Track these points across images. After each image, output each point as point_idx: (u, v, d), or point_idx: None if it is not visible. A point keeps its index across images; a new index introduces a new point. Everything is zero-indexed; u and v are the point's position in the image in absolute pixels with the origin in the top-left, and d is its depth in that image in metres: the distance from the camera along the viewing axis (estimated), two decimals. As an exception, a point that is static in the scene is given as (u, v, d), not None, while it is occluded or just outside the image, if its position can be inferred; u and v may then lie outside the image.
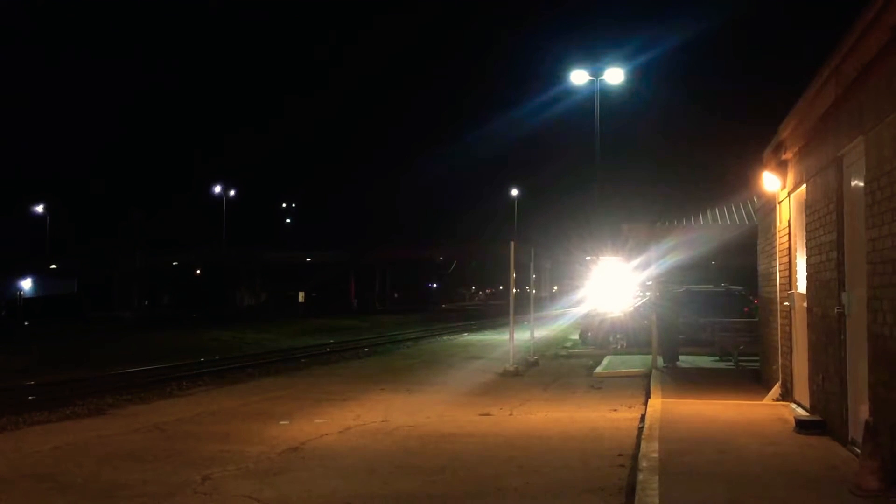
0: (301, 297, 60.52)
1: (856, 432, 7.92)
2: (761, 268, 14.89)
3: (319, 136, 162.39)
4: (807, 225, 10.08)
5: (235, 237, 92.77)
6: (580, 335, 28.09)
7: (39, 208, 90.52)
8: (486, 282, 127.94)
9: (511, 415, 12.20)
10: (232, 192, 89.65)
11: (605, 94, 34.01)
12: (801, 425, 9.46)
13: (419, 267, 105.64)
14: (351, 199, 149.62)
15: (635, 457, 8.48)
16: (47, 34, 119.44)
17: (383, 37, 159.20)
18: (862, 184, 7.57)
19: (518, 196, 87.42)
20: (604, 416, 11.92)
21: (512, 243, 20.31)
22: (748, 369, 16.84)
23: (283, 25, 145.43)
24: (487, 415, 12.15)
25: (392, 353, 26.60)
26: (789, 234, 11.77)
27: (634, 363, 19.41)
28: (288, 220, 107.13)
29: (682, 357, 19.21)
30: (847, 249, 8.34)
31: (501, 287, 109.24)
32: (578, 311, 47.52)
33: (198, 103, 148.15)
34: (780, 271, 12.46)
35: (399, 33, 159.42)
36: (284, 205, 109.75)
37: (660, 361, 18.45)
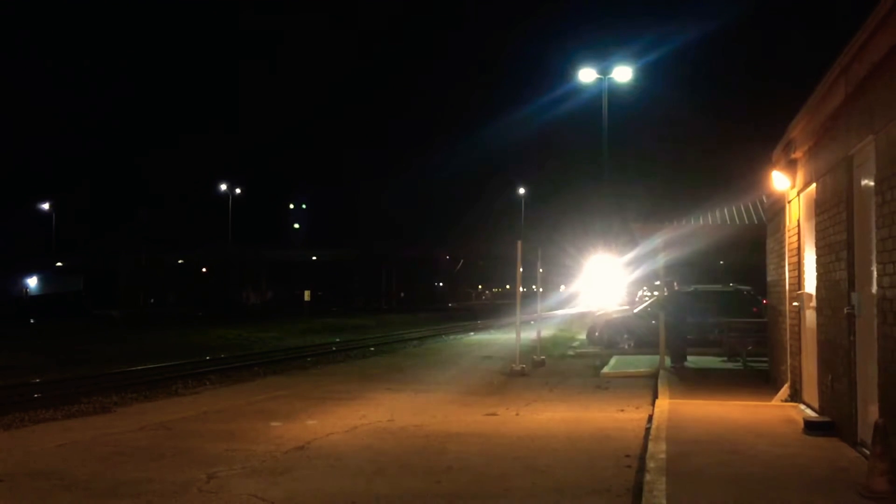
0: (307, 295, 60.62)
1: (865, 434, 7.86)
2: (770, 268, 14.82)
3: (326, 135, 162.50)
4: (816, 225, 10.02)
5: (241, 236, 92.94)
6: (587, 335, 28.05)
7: (45, 206, 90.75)
8: (493, 281, 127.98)
9: (517, 415, 12.15)
10: (238, 191, 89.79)
11: (614, 92, 33.99)
12: (810, 426, 9.40)
13: (425, 266, 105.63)
14: (357, 197, 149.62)
15: (642, 457, 8.43)
16: (56, 31, 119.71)
17: (390, 33, 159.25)
18: (872, 183, 7.51)
19: (525, 195, 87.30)
20: (611, 417, 11.87)
21: (519, 242, 20.28)
22: (757, 370, 16.79)
23: (286, 21, 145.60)
24: (494, 415, 12.11)
25: (398, 353, 26.56)
26: (799, 233, 11.71)
27: (642, 363, 19.34)
28: (295, 223, 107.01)
29: (690, 357, 19.13)
30: (857, 249, 8.28)
31: (508, 286, 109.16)
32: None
33: (207, 99, 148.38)
34: (789, 271, 12.39)
35: (406, 30, 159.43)
36: (292, 206, 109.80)
37: (667, 362, 18.39)
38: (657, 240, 19.49)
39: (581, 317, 40.78)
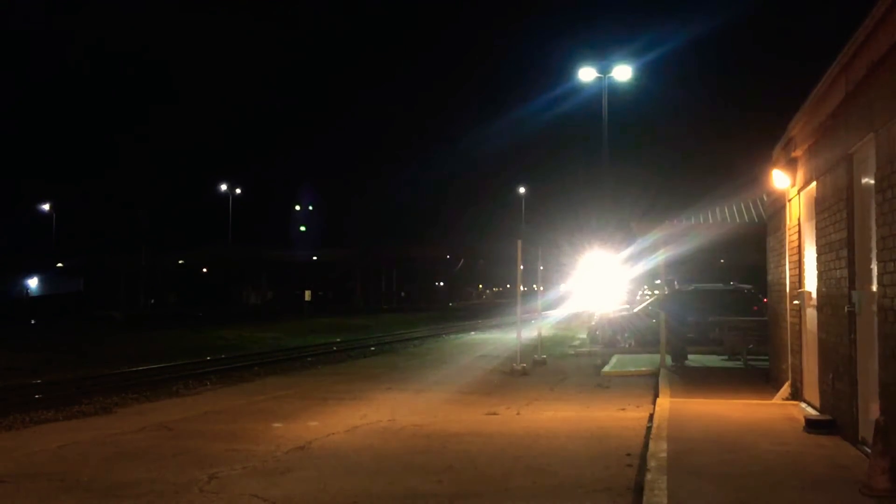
0: (307, 295, 60.67)
1: (866, 432, 7.87)
2: (770, 266, 14.81)
3: (325, 135, 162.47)
4: (817, 223, 10.02)
5: (242, 236, 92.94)
6: (588, 334, 28.05)
7: (46, 207, 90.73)
8: (493, 280, 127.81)
9: (518, 414, 12.15)
10: (238, 191, 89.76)
11: (614, 90, 33.99)
12: (811, 425, 9.40)
13: (426, 266, 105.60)
14: (357, 197, 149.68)
15: (643, 456, 8.43)
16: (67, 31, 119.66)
17: (390, 32, 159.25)
18: (872, 181, 7.51)
19: (525, 194, 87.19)
20: (612, 416, 11.87)
21: (519, 241, 20.26)
22: (757, 369, 16.78)
23: (290, 27, 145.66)
24: (495, 414, 12.11)
25: (399, 352, 26.56)
26: (799, 232, 11.71)
27: (643, 362, 19.35)
28: (300, 224, 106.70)
29: (690, 356, 19.14)
30: (857, 247, 8.28)
31: (508, 286, 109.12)
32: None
33: (209, 102, 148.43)
34: (789, 269, 12.39)
35: (406, 30, 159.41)
36: (298, 207, 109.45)
37: (668, 360, 18.39)
38: (656, 238, 19.51)
39: (581, 315, 40.80)
